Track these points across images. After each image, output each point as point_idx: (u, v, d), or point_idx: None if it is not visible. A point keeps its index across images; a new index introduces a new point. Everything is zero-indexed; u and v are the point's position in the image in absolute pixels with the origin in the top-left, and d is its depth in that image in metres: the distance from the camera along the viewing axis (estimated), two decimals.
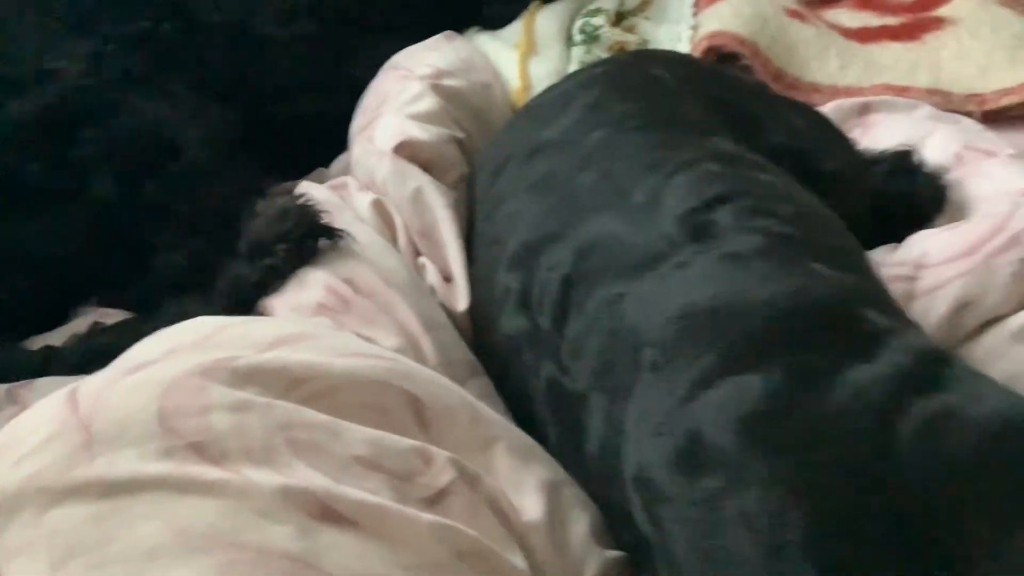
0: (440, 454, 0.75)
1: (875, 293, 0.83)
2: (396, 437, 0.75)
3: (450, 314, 1.05)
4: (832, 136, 1.21)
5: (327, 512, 0.66)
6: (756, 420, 0.69)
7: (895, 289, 1.06)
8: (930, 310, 1.03)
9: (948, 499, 0.62)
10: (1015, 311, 1.02)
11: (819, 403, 0.68)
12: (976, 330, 1.03)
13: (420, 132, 1.19)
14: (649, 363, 0.78)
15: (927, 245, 1.09)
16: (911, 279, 1.07)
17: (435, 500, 0.73)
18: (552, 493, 0.80)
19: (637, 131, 0.99)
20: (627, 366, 0.80)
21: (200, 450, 0.66)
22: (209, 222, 1.10)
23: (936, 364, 0.70)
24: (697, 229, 0.85)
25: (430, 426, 0.79)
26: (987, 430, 0.64)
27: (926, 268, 1.07)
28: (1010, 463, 0.62)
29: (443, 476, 0.74)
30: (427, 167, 1.17)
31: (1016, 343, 1.00)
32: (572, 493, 0.82)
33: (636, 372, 0.79)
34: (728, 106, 1.11)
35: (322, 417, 0.72)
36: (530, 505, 0.78)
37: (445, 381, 0.84)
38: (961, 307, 1.02)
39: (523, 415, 0.93)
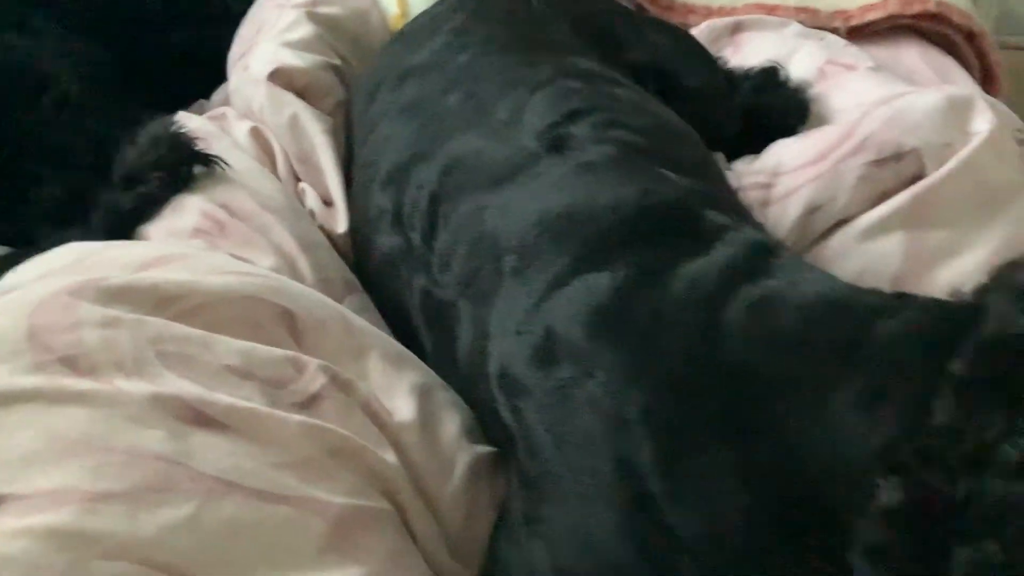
0: (312, 362, 0.79)
1: (717, 196, 0.89)
2: (268, 348, 0.78)
3: (331, 237, 1.09)
4: (696, 54, 1.27)
5: (198, 416, 0.70)
6: (602, 314, 0.75)
7: (753, 196, 1.14)
8: (784, 214, 1.10)
9: (771, 372, 0.69)
10: (861, 212, 1.09)
11: (658, 295, 0.74)
12: (826, 231, 1.10)
13: (295, 59, 1.21)
14: (510, 268, 0.83)
15: (782, 154, 1.16)
16: (767, 186, 1.14)
17: (307, 404, 0.77)
18: (424, 396, 0.85)
19: (501, 52, 1.03)
20: (490, 273, 0.85)
21: (71, 363, 0.69)
22: (85, 154, 1.11)
23: (763, 255, 0.77)
24: (555, 142, 0.89)
25: (303, 337, 0.83)
26: (805, 309, 0.71)
27: (780, 175, 1.14)
28: (825, 338, 0.69)
29: (315, 382, 0.78)
30: (303, 94, 1.19)
31: (862, 242, 1.07)
32: (444, 396, 0.87)
33: (499, 278, 0.84)
34: (593, 27, 1.16)
35: (193, 331, 0.76)
36: (402, 407, 0.82)
37: (317, 295, 0.88)
38: (812, 210, 1.09)
39: (401, 329, 0.98)
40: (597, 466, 0.71)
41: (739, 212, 0.89)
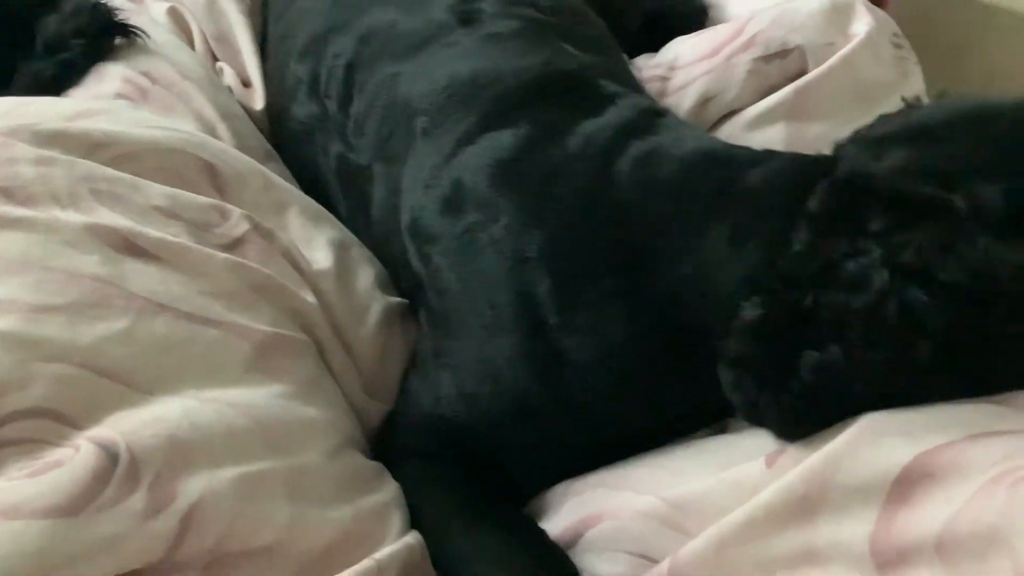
0: (235, 210, 0.86)
1: (612, 69, 0.97)
2: (193, 195, 0.84)
3: (249, 113, 1.13)
4: None
5: (131, 247, 0.76)
6: (505, 166, 0.83)
7: (651, 88, 1.22)
8: (680, 104, 1.19)
9: (655, 214, 0.78)
10: (750, 104, 1.19)
11: (556, 150, 0.83)
12: (718, 121, 1.19)
13: None
14: (421, 129, 0.90)
15: (678, 49, 1.25)
16: (665, 79, 1.22)
17: (231, 246, 0.83)
18: (340, 249, 0.92)
19: None
20: (402, 135, 0.92)
21: (8, 194, 0.74)
22: (7, 26, 1.12)
23: (652, 116, 0.86)
24: (464, 15, 0.96)
25: (225, 189, 0.89)
26: (685, 160, 0.80)
27: (677, 69, 1.22)
28: (701, 184, 0.78)
29: (239, 228, 0.85)
30: None
31: (749, 131, 1.17)
32: (358, 251, 0.95)
33: (410, 139, 0.91)
34: None
35: (122, 174, 0.81)
36: (320, 257, 0.90)
37: (238, 153, 0.94)
38: (704, 101, 1.18)
39: (318, 196, 1.04)
40: (499, 300, 0.80)
41: (631, 84, 0.97)
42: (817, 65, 1.19)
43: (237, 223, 0.85)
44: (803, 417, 0.69)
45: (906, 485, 0.64)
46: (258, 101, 1.14)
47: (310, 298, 0.85)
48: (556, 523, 0.78)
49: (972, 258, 0.64)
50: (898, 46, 1.27)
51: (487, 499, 0.80)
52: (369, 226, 0.97)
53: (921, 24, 3.34)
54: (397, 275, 0.94)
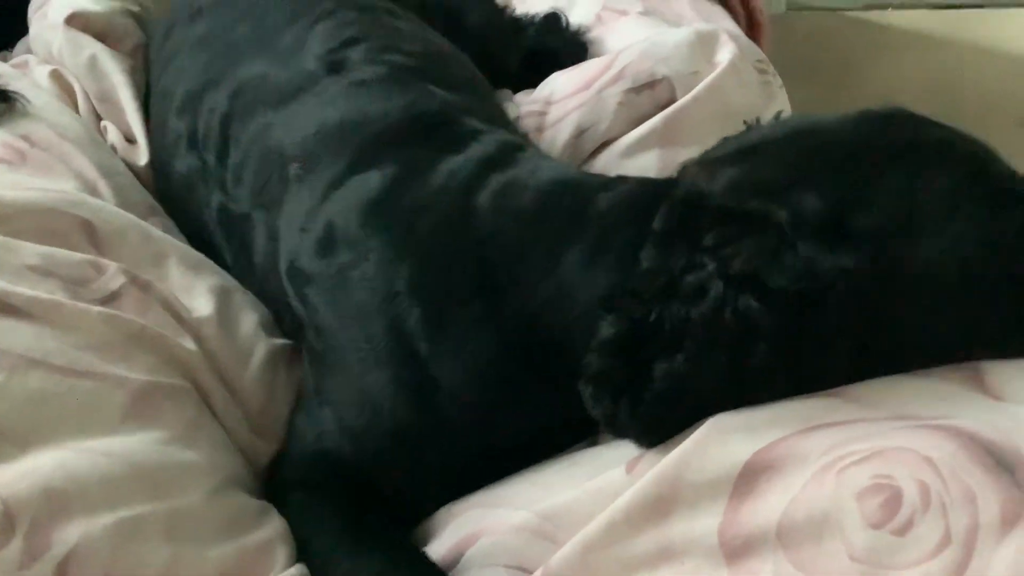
0: (111, 264, 0.89)
1: (478, 108, 1.02)
2: (68, 252, 0.87)
3: (133, 170, 1.16)
4: None
5: (3, 306, 0.78)
6: (373, 205, 0.87)
7: (530, 123, 1.28)
8: (557, 137, 1.25)
9: (514, 241, 0.83)
10: (623, 134, 1.25)
11: (420, 186, 0.87)
12: (594, 151, 1.25)
13: (92, 4, 1.27)
14: (294, 176, 0.94)
15: (554, 85, 1.31)
16: (542, 114, 1.28)
17: (107, 300, 0.86)
18: (221, 296, 0.95)
19: None
20: (277, 182, 0.96)
21: None
22: None
23: (511, 150, 0.91)
24: (332, 64, 1.01)
25: (103, 245, 0.91)
26: (540, 190, 0.85)
27: (552, 104, 1.28)
28: (556, 210, 0.83)
29: (114, 281, 0.87)
30: (101, 37, 1.26)
31: (624, 159, 1.23)
32: (241, 297, 0.98)
33: (285, 185, 0.95)
34: None
35: None
36: (201, 304, 0.92)
37: (116, 209, 0.97)
38: (580, 133, 1.24)
39: (204, 247, 1.07)
40: (373, 334, 0.84)
41: (499, 121, 1.02)
42: (685, 93, 1.26)
43: (113, 277, 0.88)
44: (657, 424, 0.73)
45: (749, 478, 0.69)
46: (142, 157, 1.17)
47: (190, 345, 0.88)
48: (439, 545, 0.82)
49: (795, 264, 0.70)
50: (763, 71, 1.35)
51: (371, 527, 0.83)
52: (252, 272, 1.00)
53: (814, 45, 3.49)
54: (280, 318, 0.97)
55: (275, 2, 1.11)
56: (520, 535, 0.77)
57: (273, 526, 0.81)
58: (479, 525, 0.80)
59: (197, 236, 1.09)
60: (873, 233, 0.71)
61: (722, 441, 0.71)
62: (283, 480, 0.88)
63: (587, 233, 0.81)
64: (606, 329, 0.75)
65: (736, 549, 0.67)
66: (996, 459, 0.64)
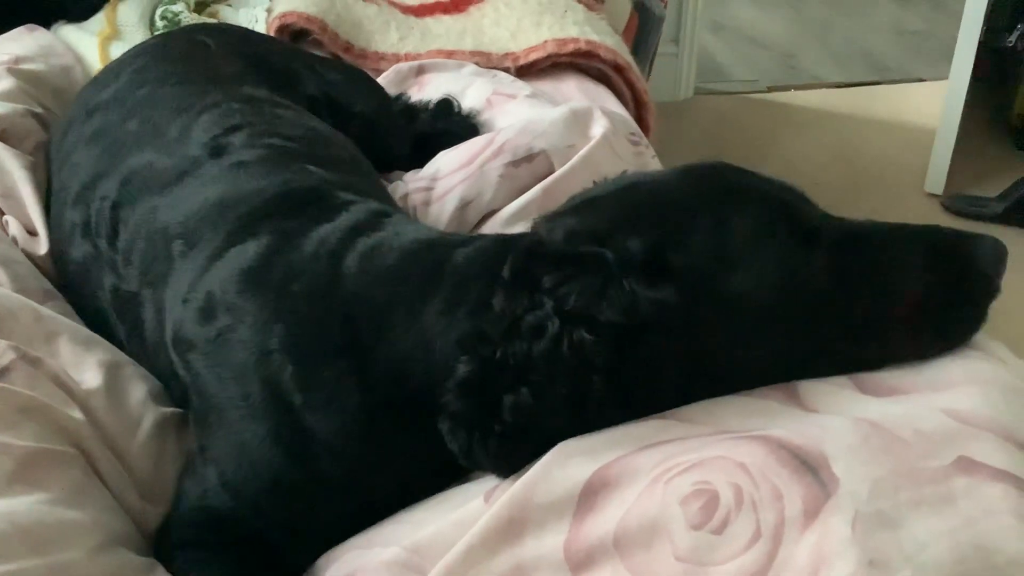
0: (2, 342, 0.94)
1: (354, 184, 1.09)
2: None
3: (34, 259, 1.22)
4: (365, 87, 1.51)
5: None
6: (249, 272, 0.94)
7: (417, 198, 1.37)
8: (443, 210, 1.34)
9: (378, 299, 0.90)
10: (504, 204, 1.34)
11: (293, 254, 0.94)
12: (479, 222, 1.34)
13: None
14: (178, 252, 1.01)
15: (440, 162, 1.40)
16: (428, 189, 1.37)
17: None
18: (111, 369, 1.00)
19: (175, 85, 1.22)
20: (163, 260, 1.02)
21: None
22: None
23: (379, 216, 0.99)
24: (215, 149, 1.09)
25: None
26: (403, 249, 0.93)
27: (439, 179, 1.37)
28: (417, 268, 0.90)
29: (4, 357, 0.93)
30: (3, 137, 1.32)
31: (506, 228, 1.31)
32: (131, 370, 1.03)
33: (170, 262, 1.01)
34: (267, 64, 1.37)
35: None
36: (89, 377, 0.98)
37: (9, 292, 1.03)
38: (464, 205, 1.33)
39: (100, 328, 1.12)
40: (249, 391, 0.89)
41: (374, 195, 1.10)
42: (561, 165, 1.36)
43: (3, 353, 0.93)
44: (508, 454, 0.80)
45: (590, 495, 0.76)
46: (42, 247, 1.23)
47: (77, 415, 0.93)
48: None
49: (621, 299, 0.78)
50: (635, 143, 1.46)
51: None
52: (144, 347, 1.05)
53: (720, 126, 3.66)
54: (169, 386, 1.03)
55: (162, 98, 1.19)
56: (390, 570, 0.82)
57: None
58: (354, 565, 0.85)
59: (94, 319, 1.14)
60: (688, 269, 0.80)
61: (564, 464, 0.77)
62: (171, 540, 0.92)
63: (445, 286, 0.88)
64: (460, 370, 0.81)
65: (580, 561, 0.74)
66: (801, 461, 0.72)
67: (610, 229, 0.82)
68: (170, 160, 1.09)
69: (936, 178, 2.85)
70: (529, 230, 0.91)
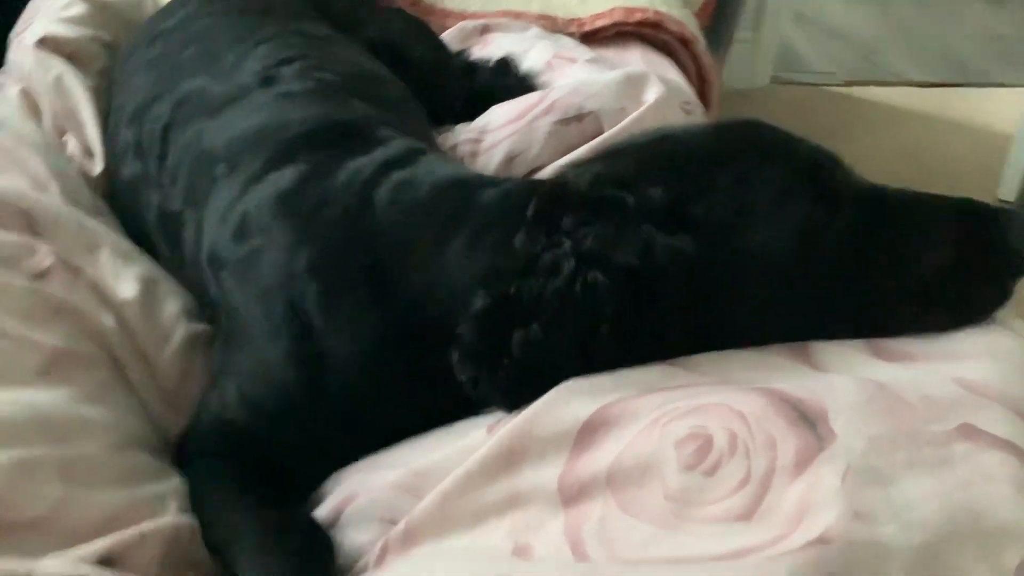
0: (44, 246, 0.98)
1: (396, 122, 1.11)
2: (4, 232, 0.96)
3: (88, 178, 1.26)
4: (423, 34, 1.53)
5: None
6: (284, 197, 0.97)
7: (465, 149, 1.38)
8: (489, 163, 1.35)
9: (406, 232, 0.91)
10: (551, 161, 1.34)
11: (327, 181, 0.96)
12: (523, 176, 1.34)
13: (64, 30, 1.39)
14: (220, 174, 1.04)
15: (491, 116, 1.41)
16: (477, 141, 1.38)
17: (37, 277, 0.95)
18: (148, 283, 1.04)
19: (236, 16, 1.25)
20: (206, 181, 1.05)
21: None
22: None
23: (415, 153, 1.00)
24: (266, 79, 1.11)
25: (40, 231, 1.01)
26: (435, 185, 0.94)
27: (488, 132, 1.38)
28: (445, 204, 0.92)
29: (45, 261, 0.97)
30: (70, 59, 1.37)
31: None
32: (168, 286, 1.07)
33: (212, 183, 1.04)
34: (330, 6, 1.39)
35: None
36: (127, 289, 1.01)
37: (57, 202, 1.06)
38: (510, 159, 1.34)
39: (145, 246, 1.16)
40: (274, 310, 0.92)
41: (417, 136, 1.11)
42: (611, 128, 1.35)
43: (44, 257, 0.97)
44: (515, 389, 0.81)
45: (589, 432, 0.76)
46: (97, 167, 1.27)
47: (110, 321, 0.96)
48: (324, 507, 0.89)
49: (637, 243, 0.78)
50: (689, 112, 1.45)
51: (261, 491, 0.90)
52: (183, 266, 1.09)
53: (794, 116, 3.60)
54: (202, 304, 1.06)
55: (222, 28, 1.22)
56: (393, 491, 0.84)
57: (170, 484, 0.89)
58: (359, 486, 0.87)
59: (139, 237, 1.18)
60: (709, 221, 0.80)
61: (567, 401, 0.78)
62: (189, 448, 0.95)
63: (470, 222, 0.89)
64: (476, 303, 0.83)
65: (573, 494, 0.75)
66: (801, 413, 0.72)
67: (635, 176, 0.83)
68: (222, 87, 1.12)
69: (1011, 184, 2.78)
70: (557, 175, 0.92)
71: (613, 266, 0.78)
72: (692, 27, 1.94)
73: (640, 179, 0.82)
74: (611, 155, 0.89)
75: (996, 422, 0.71)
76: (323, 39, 1.25)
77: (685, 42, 1.90)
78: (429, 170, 0.97)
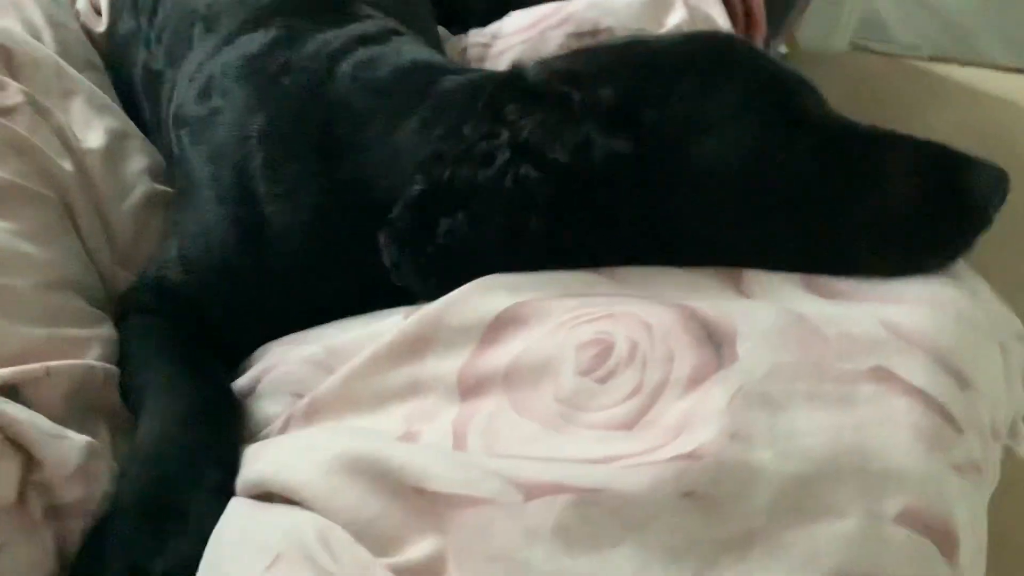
0: (14, 85, 0.98)
1: (392, 8, 1.08)
2: None
3: (91, 34, 1.26)
4: None
5: None
6: (249, 61, 0.95)
7: (474, 53, 1.35)
8: (496, 68, 1.31)
9: (361, 108, 0.89)
10: None
11: (294, 49, 0.95)
12: None
13: None
14: (197, 34, 1.03)
15: (505, 22, 1.37)
16: (487, 46, 1.35)
17: (3, 112, 0.95)
18: (117, 136, 1.04)
19: None
20: (184, 40, 1.04)
21: None
22: None
23: (389, 33, 0.98)
24: None
25: (17, 71, 1.01)
26: (398, 66, 0.92)
27: (499, 38, 1.35)
28: (404, 85, 0.90)
29: (13, 99, 0.97)
30: None
31: None
32: (139, 143, 1.06)
33: (189, 43, 1.04)
34: None
35: None
36: (93, 138, 1.01)
37: (41, 46, 1.07)
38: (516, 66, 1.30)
39: (131, 103, 1.16)
40: (221, 172, 0.91)
41: (409, 23, 1.08)
42: None
43: (13, 95, 0.97)
44: (436, 275, 0.79)
45: (499, 328, 0.75)
46: (102, 25, 1.27)
47: (68, 166, 0.96)
48: (245, 376, 0.88)
49: (574, 140, 0.75)
50: None
51: (188, 351, 0.89)
52: (160, 126, 1.08)
53: (869, 85, 3.48)
54: (169, 165, 1.05)
55: None
56: (306, 366, 0.83)
57: (97, 331, 0.89)
58: (278, 358, 0.86)
59: (127, 92, 1.18)
60: (658, 127, 0.76)
61: (484, 294, 0.76)
62: (128, 300, 0.95)
63: (425, 107, 0.87)
64: (413, 188, 0.81)
65: (470, 387, 0.73)
66: (708, 333, 0.69)
67: (590, 75, 0.80)
68: None
69: None
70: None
71: (547, 161, 0.76)
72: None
73: (594, 78, 0.79)
74: (578, 53, 0.86)
75: (914, 369, 0.67)
76: None
77: None
78: (397, 50, 0.95)
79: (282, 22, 0.97)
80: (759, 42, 1.90)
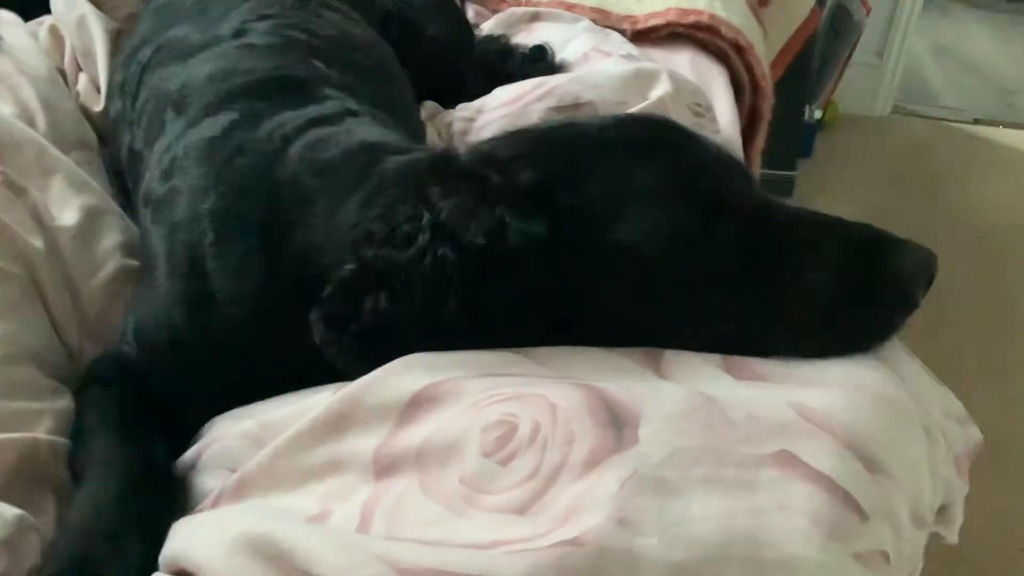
0: None
1: (352, 87, 1.11)
2: None
3: (89, 113, 1.32)
4: (445, 14, 1.53)
5: None
6: (209, 142, 0.99)
7: (458, 127, 1.38)
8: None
9: (307, 188, 0.91)
10: None
11: (250, 131, 0.98)
12: None
13: None
14: (169, 118, 1.07)
15: (491, 96, 1.40)
16: (471, 120, 1.38)
17: None
18: (92, 213, 1.08)
19: None
20: (157, 123, 1.08)
21: None
22: None
23: (345, 114, 1.00)
24: (238, 32, 1.14)
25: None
26: (347, 147, 0.94)
27: (483, 113, 1.38)
28: (349, 166, 0.92)
29: None
30: (96, 3, 1.43)
31: None
32: (114, 220, 1.10)
33: (161, 126, 1.07)
34: None
35: None
36: (68, 216, 1.05)
37: (25, 127, 1.12)
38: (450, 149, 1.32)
39: (120, 183, 1.20)
40: (174, 250, 0.94)
41: (381, 104, 1.11)
42: None
43: None
44: (360, 354, 0.80)
45: (414, 407, 0.75)
46: (100, 104, 1.33)
47: (39, 244, 1.00)
48: (191, 450, 0.90)
49: (488, 223, 0.77)
50: (698, 114, 1.41)
51: (138, 426, 0.91)
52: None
53: (912, 149, 3.45)
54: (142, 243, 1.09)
55: None
56: (242, 441, 0.85)
57: (50, 404, 0.91)
58: (219, 432, 0.88)
59: (118, 171, 1.22)
60: (575, 210, 0.77)
61: (403, 373, 0.77)
62: (89, 372, 0.98)
63: (366, 187, 0.89)
64: (344, 268, 0.83)
65: (385, 467, 0.74)
66: (613, 415, 0.69)
67: (513, 157, 0.81)
68: (201, 36, 1.15)
69: None
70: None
71: (463, 244, 0.77)
72: (751, 35, 1.87)
73: (515, 160, 0.80)
74: (510, 135, 0.87)
75: (820, 454, 0.66)
76: (318, 2, 1.26)
77: (740, 50, 1.83)
78: (349, 131, 0.97)
79: (243, 105, 1.01)
80: (766, 110, 1.91)
